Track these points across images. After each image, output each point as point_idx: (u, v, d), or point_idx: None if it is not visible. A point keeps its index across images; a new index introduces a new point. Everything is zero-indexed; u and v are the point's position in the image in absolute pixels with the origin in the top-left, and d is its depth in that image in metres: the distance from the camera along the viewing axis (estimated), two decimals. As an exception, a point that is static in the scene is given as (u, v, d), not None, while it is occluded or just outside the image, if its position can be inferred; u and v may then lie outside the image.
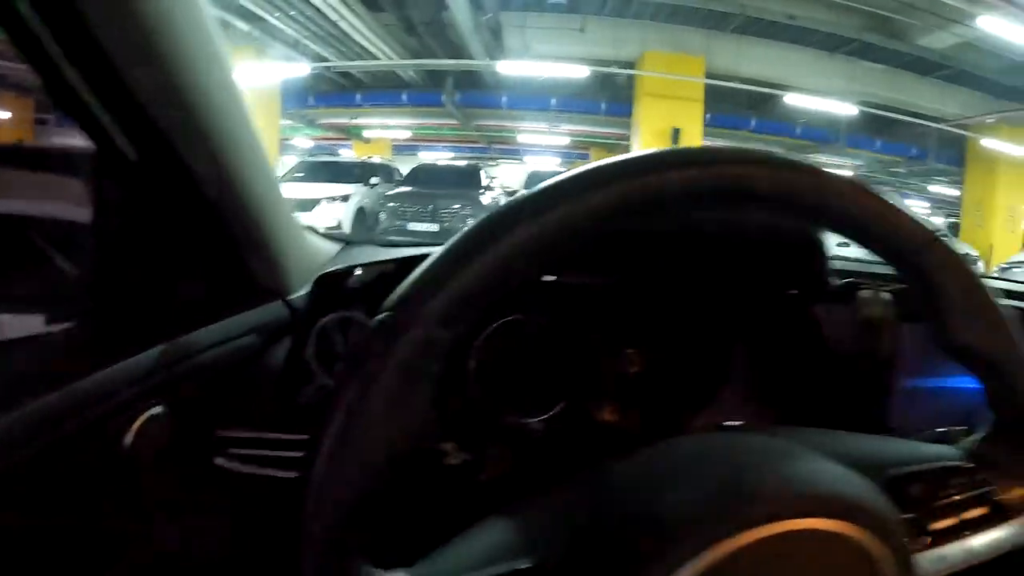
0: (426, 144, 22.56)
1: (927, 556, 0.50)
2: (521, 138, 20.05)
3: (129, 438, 0.61)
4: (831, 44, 12.53)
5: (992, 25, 9.00)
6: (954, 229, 15.35)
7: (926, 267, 0.50)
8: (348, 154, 19.40)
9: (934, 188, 21.41)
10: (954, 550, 0.51)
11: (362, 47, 12.21)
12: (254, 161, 0.74)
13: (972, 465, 0.54)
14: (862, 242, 0.50)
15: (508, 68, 12.18)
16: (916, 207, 23.58)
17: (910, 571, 0.46)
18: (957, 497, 0.52)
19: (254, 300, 0.82)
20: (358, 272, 0.91)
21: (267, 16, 10.54)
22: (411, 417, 0.39)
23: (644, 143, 12.13)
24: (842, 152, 16.97)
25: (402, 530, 0.54)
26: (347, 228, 10.38)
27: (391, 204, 10.44)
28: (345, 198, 10.58)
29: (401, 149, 22.30)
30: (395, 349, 0.39)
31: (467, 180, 11.57)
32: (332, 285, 0.88)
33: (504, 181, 15.57)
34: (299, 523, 0.38)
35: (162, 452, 0.66)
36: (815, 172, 0.47)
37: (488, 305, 0.42)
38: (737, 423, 0.91)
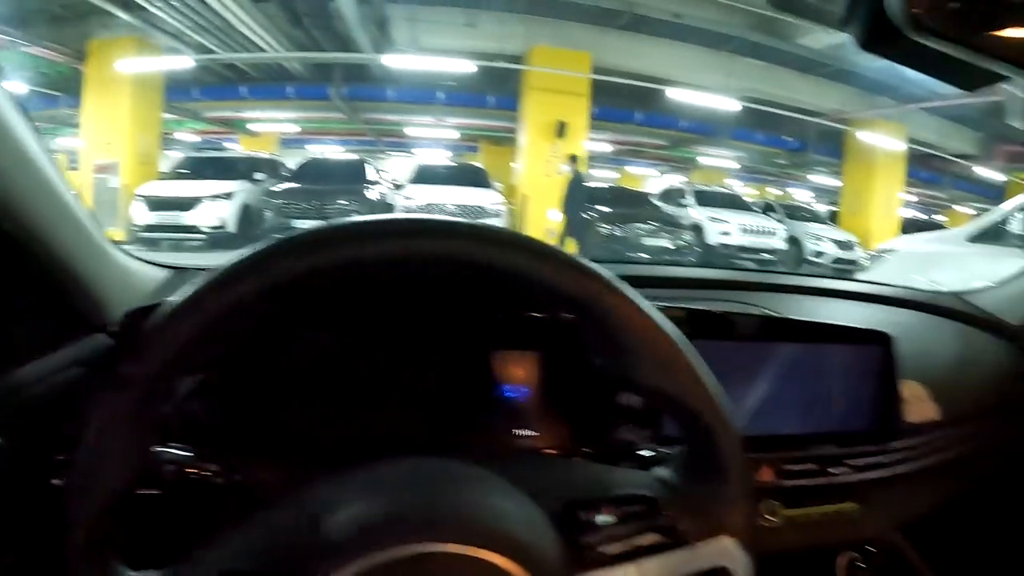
0: (314, 138, 22.15)
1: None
2: (409, 131, 19.94)
3: None
4: (715, 42, 12.94)
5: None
6: (834, 217, 16.09)
7: (600, 315, 0.53)
8: (234, 148, 18.90)
9: (815, 178, 22.31)
10: (623, 572, 0.53)
11: (247, 38, 11.85)
12: (54, 203, 0.77)
13: (650, 494, 0.57)
14: (527, 293, 0.53)
15: (395, 62, 12.05)
16: (800, 196, 24.69)
17: None
18: (634, 523, 0.55)
19: (81, 333, 0.86)
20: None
21: (148, 5, 10.13)
22: (143, 444, 0.49)
23: (530, 136, 12.28)
24: (725, 144, 17.57)
25: (169, 540, 0.58)
26: (231, 227, 10.12)
27: (276, 201, 10.20)
28: (229, 195, 10.30)
29: (289, 143, 21.83)
30: (122, 401, 0.48)
31: (354, 175, 11.38)
32: (141, 320, 0.85)
33: (393, 175, 15.44)
34: (64, 538, 0.47)
35: (4, 479, 0.70)
36: (476, 235, 0.51)
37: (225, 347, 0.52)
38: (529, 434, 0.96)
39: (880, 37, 0.53)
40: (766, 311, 1.17)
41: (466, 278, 0.64)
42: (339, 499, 0.51)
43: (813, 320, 1.06)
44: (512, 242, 0.52)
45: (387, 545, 0.47)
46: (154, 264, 1.09)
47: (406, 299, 0.93)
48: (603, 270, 0.53)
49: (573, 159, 10.27)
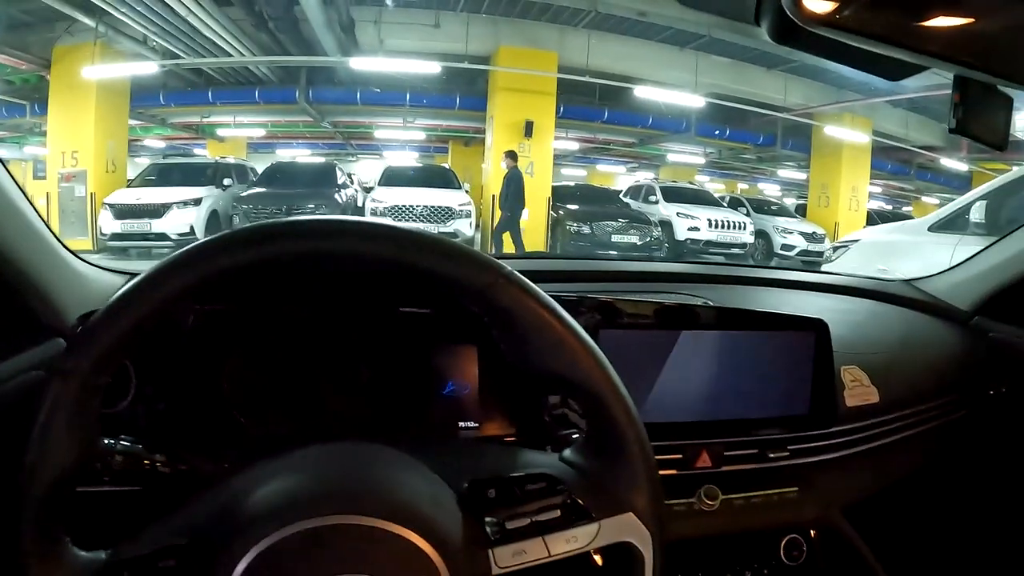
0: (282, 141, 21.94)
1: (502, 551, 0.57)
2: (378, 134, 19.81)
3: None
4: (680, 39, 12.99)
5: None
6: (802, 210, 16.25)
7: (496, 304, 0.58)
8: (202, 154, 18.69)
9: (783, 172, 22.43)
10: (530, 547, 0.57)
11: (212, 43, 11.73)
12: (7, 211, 0.81)
13: (553, 473, 0.62)
14: (434, 287, 0.59)
15: (362, 64, 12.02)
16: (768, 190, 24.80)
17: (467, 567, 0.55)
18: (537, 501, 0.59)
19: (39, 338, 0.89)
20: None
21: (112, 11, 9.95)
22: (84, 438, 0.55)
23: (499, 136, 12.24)
24: (692, 140, 17.63)
25: (113, 524, 0.63)
26: (200, 233, 10.05)
27: (245, 206, 10.17)
28: (197, 202, 10.28)
29: (257, 147, 21.65)
30: (64, 393, 0.54)
31: (322, 178, 11.37)
32: None
33: (362, 177, 15.34)
34: (13, 520, 0.52)
35: None
36: (388, 234, 0.57)
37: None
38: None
39: (788, 32, 0.55)
40: (709, 300, 1.19)
41: (380, 274, 0.72)
42: (259, 480, 0.56)
43: (749, 308, 1.10)
44: (417, 241, 0.57)
45: (293, 519, 0.52)
46: (111, 271, 1.13)
47: (342, 292, 0.99)
48: (500, 263, 0.58)
49: (512, 155, 10.22)
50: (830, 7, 0.51)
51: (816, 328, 1.08)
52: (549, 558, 0.58)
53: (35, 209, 0.87)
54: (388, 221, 0.60)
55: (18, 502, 0.53)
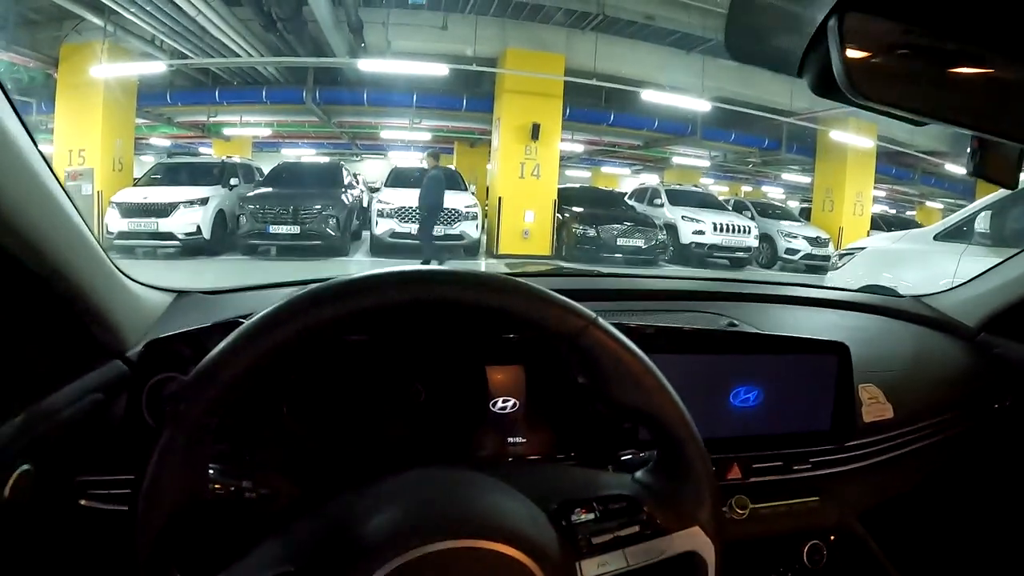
0: (288, 141, 22.05)
1: (588, 563, 0.64)
2: (384, 134, 19.88)
3: (6, 492, 0.73)
4: (687, 43, 13.01)
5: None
6: (806, 214, 16.23)
7: (584, 348, 0.65)
8: (208, 153, 18.74)
9: (788, 176, 22.47)
10: (612, 559, 0.64)
11: (220, 43, 11.76)
12: (73, 239, 0.84)
13: (630, 493, 0.69)
14: (526, 332, 0.66)
15: (369, 66, 12.06)
16: (772, 194, 24.76)
17: None
18: (618, 519, 0.67)
19: (97, 361, 0.94)
20: (180, 337, 1.01)
21: (121, 10, 9.96)
22: (196, 472, 0.59)
23: (505, 138, 12.30)
24: (698, 144, 17.63)
25: (211, 551, 0.64)
26: (206, 233, 10.07)
27: (251, 206, 10.14)
28: (204, 201, 10.26)
29: (262, 146, 21.80)
30: (176, 437, 0.57)
31: (328, 178, 11.40)
32: (160, 347, 0.98)
33: (368, 177, 15.35)
34: (131, 545, 0.56)
35: (34, 500, 0.78)
36: (475, 283, 0.63)
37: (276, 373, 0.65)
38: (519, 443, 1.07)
39: (831, 90, 0.60)
40: (733, 320, 1.28)
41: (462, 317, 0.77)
42: (368, 507, 0.61)
43: (776, 334, 1.17)
44: (506, 288, 0.63)
45: (414, 545, 0.56)
46: (156, 288, 1.18)
47: (403, 325, 1.04)
48: (584, 309, 0.65)
49: (434, 155, 10.27)
50: (876, 87, 0.58)
51: (839, 352, 1.16)
52: (627, 568, 0.65)
53: (88, 227, 0.88)
54: (481, 271, 0.66)
55: (133, 547, 0.57)
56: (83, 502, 0.91)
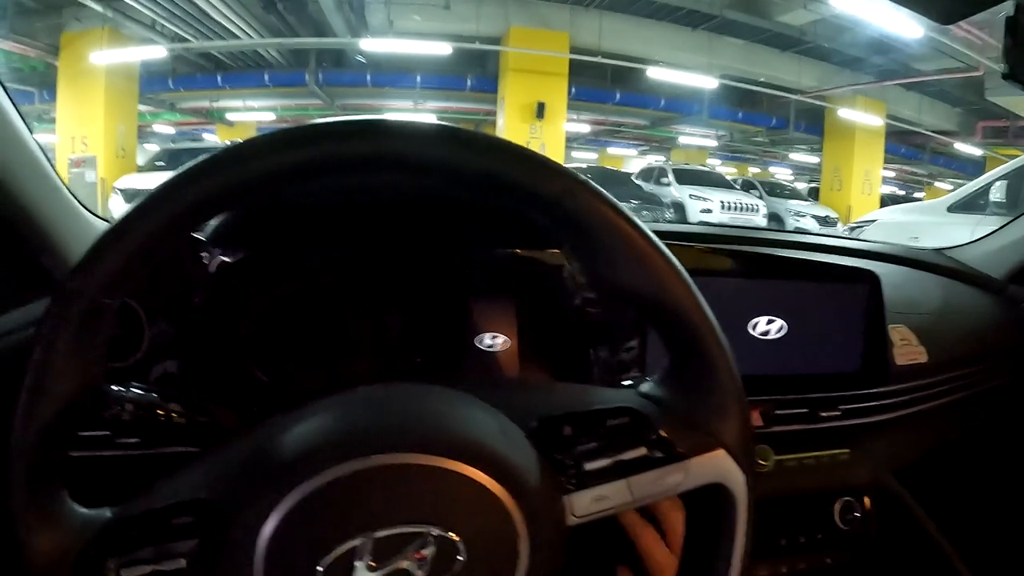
0: (292, 125, 21.73)
1: (580, 497, 0.49)
2: (388, 116, 19.50)
3: None
4: (693, 20, 12.93)
5: (846, 3, 9.44)
6: (815, 193, 16.19)
7: (571, 213, 0.49)
8: (212, 139, 18.71)
9: (795, 156, 22.39)
10: (612, 492, 0.49)
11: (221, 26, 11.72)
12: (22, 160, 0.80)
13: (635, 406, 0.53)
14: (501, 198, 0.49)
15: (371, 46, 11.98)
16: (780, 174, 24.72)
17: (544, 514, 0.47)
18: (619, 438, 0.51)
19: (47, 292, 0.86)
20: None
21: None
22: (87, 367, 0.47)
23: (509, 118, 12.24)
24: (705, 123, 17.55)
25: (125, 480, 0.57)
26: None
27: (255, 190, 10.11)
28: (209, 186, 10.21)
29: (266, 131, 21.43)
30: (67, 315, 0.46)
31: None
32: None
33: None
34: (4, 460, 0.46)
35: None
36: (451, 137, 0.48)
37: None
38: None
39: None
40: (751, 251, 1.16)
41: (434, 194, 0.71)
42: (293, 425, 0.49)
43: (799, 257, 1.08)
44: (483, 143, 0.49)
45: (338, 460, 0.44)
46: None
47: (375, 242, 0.93)
48: (574, 172, 0.50)
49: None
50: None
51: (868, 280, 1.05)
52: (633, 503, 0.50)
53: (51, 165, 0.85)
54: (444, 124, 0.50)
55: (10, 440, 0.46)
56: None
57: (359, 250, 0.93)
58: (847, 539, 1.04)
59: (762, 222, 12.32)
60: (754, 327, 0.97)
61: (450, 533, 0.45)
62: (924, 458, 1.16)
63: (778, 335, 0.99)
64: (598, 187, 0.49)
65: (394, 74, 14.76)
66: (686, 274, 0.51)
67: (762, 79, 13.91)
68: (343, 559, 0.44)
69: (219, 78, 15.44)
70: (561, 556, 0.49)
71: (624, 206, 0.50)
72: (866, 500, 1.06)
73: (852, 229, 6.34)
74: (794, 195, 14.59)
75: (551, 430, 0.51)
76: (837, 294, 1.03)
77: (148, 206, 0.46)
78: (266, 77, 15.29)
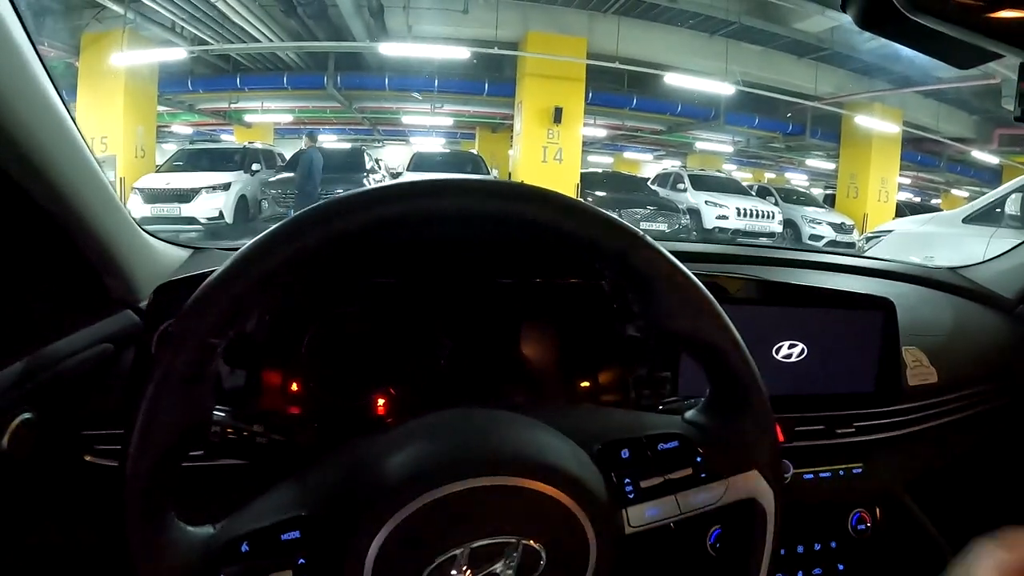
0: (309, 127, 21.70)
1: (636, 510, 0.58)
2: (406, 119, 19.88)
3: (3, 441, 0.71)
4: (710, 26, 12.90)
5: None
6: (831, 200, 16.08)
7: (633, 267, 0.57)
8: (229, 140, 18.82)
9: (812, 162, 22.22)
10: (661, 505, 0.59)
11: (241, 29, 11.79)
12: (93, 186, 0.81)
13: (682, 432, 0.62)
14: (571, 249, 0.57)
15: (390, 50, 12.02)
16: (796, 180, 24.56)
17: (608, 525, 0.56)
18: (668, 461, 0.60)
19: (109, 310, 0.91)
20: (192, 280, 0.97)
21: (142, -3, 9.98)
22: (195, 403, 0.53)
23: (527, 122, 12.24)
24: (721, 129, 17.47)
25: (217, 498, 0.61)
26: (229, 218, 10.13)
27: (273, 191, 10.22)
28: (226, 187, 10.33)
29: (284, 133, 21.71)
30: (175, 357, 0.52)
31: (350, 163, 11.37)
32: (171, 294, 0.93)
33: (390, 163, 15.41)
34: (120, 491, 0.51)
35: (35, 453, 0.75)
36: (523, 195, 0.55)
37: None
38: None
39: (878, 17, 0.55)
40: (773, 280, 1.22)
41: (502, 238, 0.76)
42: (389, 447, 0.56)
43: (819, 286, 1.13)
44: (552, 201, 0.55)
45: (440, 483, 0.51)
46: (175, 244, 1.15)
47: (436, 272, 1.00)
48: (636, 229, 0.58)
49: (311, 135, 10.19)
50: None
51: (884, 308, 1.11)
52: (680, 516, 0.59)
53: (111, 185, 0.87)
54: (524, 184, 0.58)
55: (124, 471, 0.51)
56: (88, 457, 0.88)
57: (414, 276, 1.00)
58: (859, 547, 1.12)
59: (777, 228, 12.28)
60: (778, 351, 1.05)
61: (534, 542, 0.54)
62: (934, 472, 1.22)
63: (799, 358, 1.06)
64: (656, 244, 0.58)
65: (412, 78, 14.76)
66: (728, 320, 0.60)
67: (779, 85, 13.83)
68: (443, 567, 0.52)
69: (238, 80, 15.46)
70: (620, 560, 0.58)
71: (676, 260, 0.59)
72: (878, 511, 1.13)
73: (869, 239, 6.34)
74: (810, 202, 14.52)
75: (612, 453, 0.60)
76: (855, 320, 1.10)
77: (254, 254, 0.53)
78: (285, 80, 15.33)
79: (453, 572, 0.53)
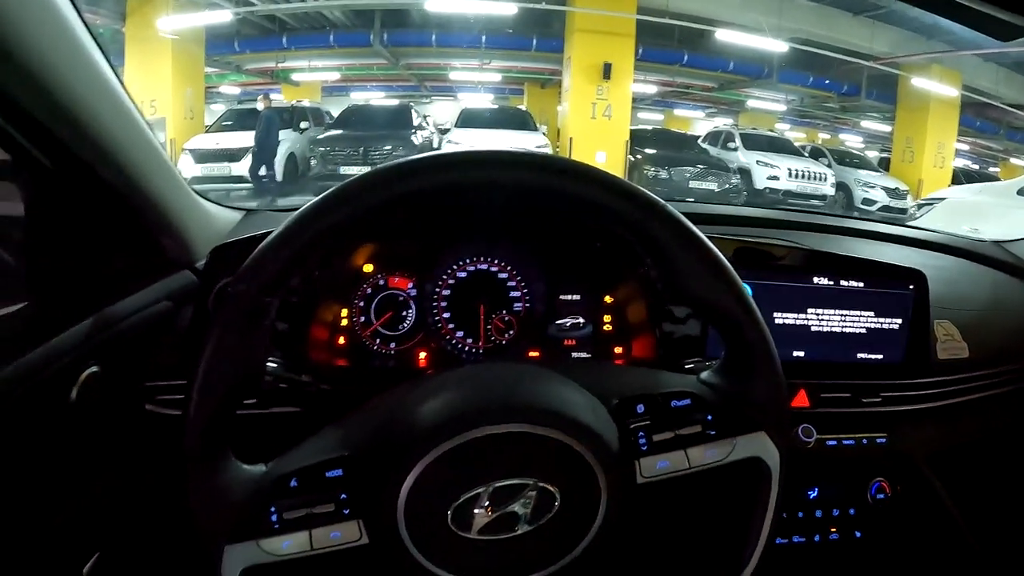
0: (357, 84, 22.18)
1: (648, 461, 0.64)
2: (453, 75, 19.86)
3: (74, 393, 0.77)
4: (765, -21, 12.58)
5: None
6: (885, 164, 15.72)
7: (650, 235, 0.62)
8: (278, 98, 18.99)
9: (867, 124, 21.81)
10: (671, 459, 0.64)
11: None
12: (149, 155, 0.88)
13: (695, 391, 0.68)
14: (592, 217, 0.62)
15: (436, 5, 11.92)
16: (850, 141, 24.10)
17: (619, 474, 0.62)
18: (681, 417, 0.66)
19: (167, 271, 0.99)
20: (247, 241, 1.06)
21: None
22: (249, 355, 0.59)
23: (576, 78, 12.06)
24: (773, 87, 17.19)
25: (270, 441, 0.68)
26: (278, 175, 10.24)
27: (321, 148, 10.30)
28: (275, 145, 10.38)
29: (332, 90, 21.89)
30: (234, 313, 0.58)
31: (398, 120, 11.39)
32: (226, 254, 1.01)
33: (438, 119, 15.42)
34: (182, 434, 0.58)
35: (102, 403, 0.82)
36: (542, 165, 0.60)
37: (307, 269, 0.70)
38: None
39: None
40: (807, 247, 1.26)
41: (537, 208, 0.82)
42: (425, 395, 0.63)
43: (852, 255, 1.15)
44: (581, 173, 0.61)
45: (466, 429, 0.58)
46: (229, 207, 1.23)
47: (469, 234, 1.12)
48: (658, 198, 0.63)
49: (266, 96, 10.37)
50: None
51: (916, 279, 1.14)
52: (688, 470, 0.65)
53: (164, 152, 0.94)
54: (549, 153, 0.61)
55: (186, 415, 0.58)
56: (149, 407, 0.95)
57: (453, 240, 1.11)
58: (877, 516, 1.16)
59: (829, 191, 12.05)
60: (808, 317, 1.11)
61: (549, 485, 0.60)
62: (959, 447, 1.23)
63: (829, 325, 1.11)
64: (676, 212, 0.63)
65: (459, 34, 14.71)
66: (743, 287, 0.65)
67: (833, 43, 13.48)
68: (467, 504, 0.59)
69: (284, 39, 15.68)
70: (630, 507, 0.64)
71: (694, 228, 0.63)
72: (898, 481, 1.17)
73: (920, 206, 6.33)
74: (864, 165, 14.18)
75: (628, 407, 0.66)
76: (886, 290, 1.13)
77: (307, 219, 0.59)
78: (331, 38, 15.47)
79: (476, 509, 0.59)
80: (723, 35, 12.36)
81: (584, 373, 0.68)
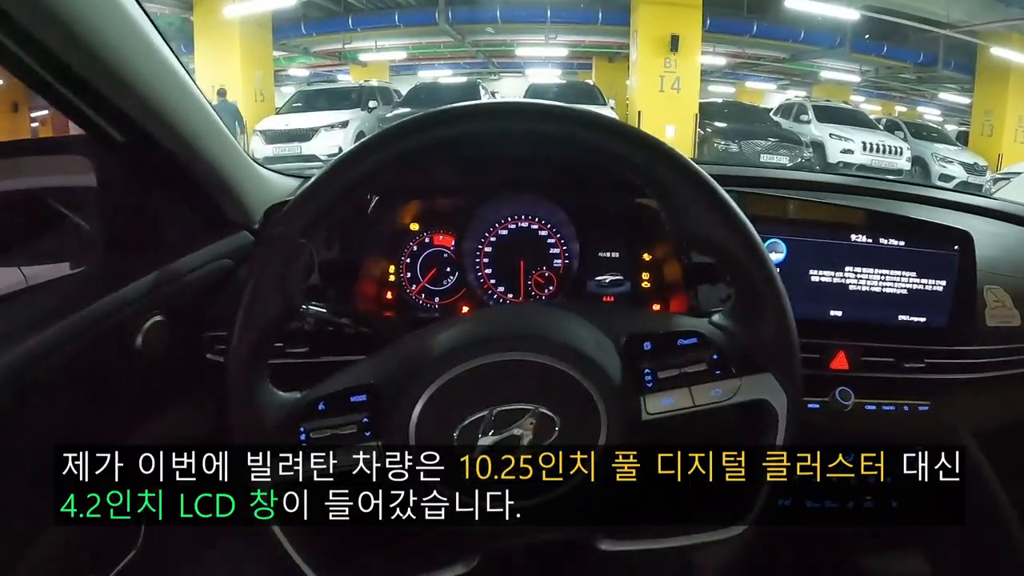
0: (424, 63, 22.02)
1: (653, 398, 0.67)
2: (520, 52, 19.69)
3: (139, 340, 0.85)
4: (834, -54, 12.23)
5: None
6: (964, 138, 15.16)
7: (658, 172, 0.65)
8: (346, 79, 19.23)
9: (945, 96, 20.96)
10: (677, 396, 0.67)
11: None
12: (208, 128, 0.97)
13: (703, 331, 0.70)
14: (602, 161, 0.67)
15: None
16: (927, 114, 23.27)
17: (621, 406, 0.66)
18: (686, 355, 0.68)
19: (228, 231, 1.08)
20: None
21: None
22: (289, 291, 0.65)
23: (643, 52, 11.95)
24: (847, 57, 16.70)
25: (311, 379, 0.73)
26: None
27: (390, 127, 10.36)
28: (344, 124, 10.64)
29: (399, 70, 21.94)
30: (272, 253, 0.65)
31: (465, 97, 11.34)
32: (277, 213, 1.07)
33: (506, 95, 15.43)
34: (227, 356, 0.65)
35: (164, 351, 0.89)
36: (555, 114, 0.65)
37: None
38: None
39: None
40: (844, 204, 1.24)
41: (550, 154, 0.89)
42: (440, 328, 0.69)
43: (896, 213, 1.15)
44: (589, 120, 0.65)
45: (469, 357, 0.63)
46: (287, 175, 1.31)
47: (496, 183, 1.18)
48: (662, 142, 0.66)
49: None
50: None
51: (960, 240, 1.09)
52: (693, 408, 0.67)
53: (224, 126, 1.02)
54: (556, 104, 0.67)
55: (229, 347, 0.65)
56: (209, 356, 1.02)
57: (495, 199, 1.18)
58: (914, 487, 1.07)
59: (905, 166, 11.69)
60: (847, 276, 1.08)
61: (549, 411, 0.64)
62: (1009, 426, 1.19)
63: (868, 284, 1.08)
64: (682, 155, 0.65)
65: (524, 9, 14.68)
66: (752, 230, 0.66)
67: (908, 11, 13.02)
68: (472, 426, 0.64)
69: (350, 21, 15.87)
70: (634, 440, 0.67)
71: (700, 170, 0.65)
72: (941, 454, 1.07)
73: (996, 180, 6.12)
74: (942, 138, 13.68)
75: (636, 345, 0.69)
76: (930, 250, 1.09)
77: (338, 169, 0.65)
78: (396, 18, 15.62)
79: (480, 431, 0.64)
80: (792, 3, 12.05)
81: (596, 312, 0.72)
